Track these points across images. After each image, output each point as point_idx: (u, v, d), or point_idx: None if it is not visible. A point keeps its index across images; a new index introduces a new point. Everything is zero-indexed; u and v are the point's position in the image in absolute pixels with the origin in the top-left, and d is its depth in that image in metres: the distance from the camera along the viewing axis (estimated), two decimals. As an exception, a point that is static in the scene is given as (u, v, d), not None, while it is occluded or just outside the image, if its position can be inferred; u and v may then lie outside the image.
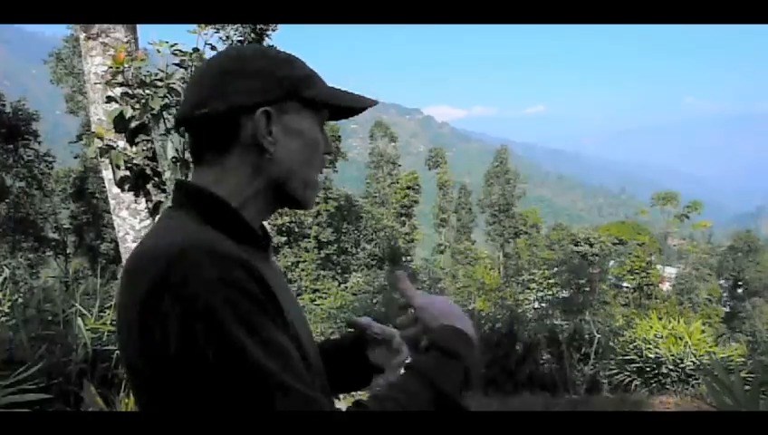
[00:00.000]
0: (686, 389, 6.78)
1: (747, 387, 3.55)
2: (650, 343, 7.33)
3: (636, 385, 7.12)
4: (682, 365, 6.89)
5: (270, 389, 0.70)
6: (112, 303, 4.40)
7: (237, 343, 0.70)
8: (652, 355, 7.13)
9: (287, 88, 0.88)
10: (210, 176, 0.88)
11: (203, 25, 3.42)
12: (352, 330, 1.12)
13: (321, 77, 0.95)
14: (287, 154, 0.88)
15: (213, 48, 3.43)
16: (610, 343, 8.19)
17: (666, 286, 35.99)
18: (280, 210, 1.06)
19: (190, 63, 3.27)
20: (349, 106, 0.95)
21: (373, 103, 0.97)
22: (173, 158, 3.17)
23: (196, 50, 3.35)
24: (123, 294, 0.79)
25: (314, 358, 0.90)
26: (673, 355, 6.99)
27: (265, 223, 0.99)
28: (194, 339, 0.70)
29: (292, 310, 0.87)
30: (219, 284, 0.72)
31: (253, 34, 13.97)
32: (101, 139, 3.10)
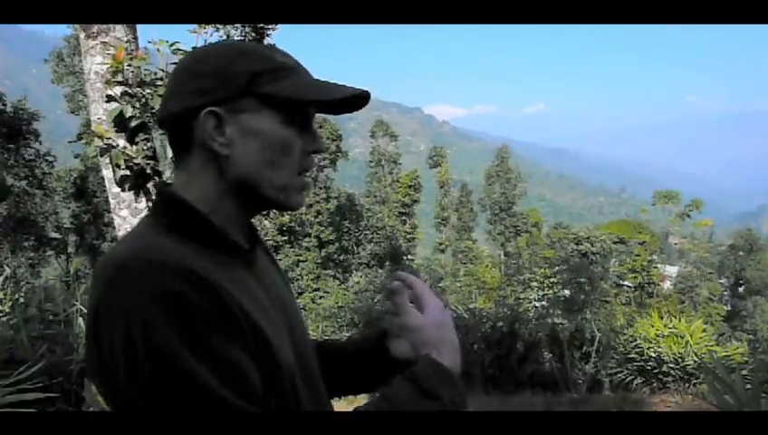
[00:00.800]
0: (688, 388, 6.77)
1: (748, 386, 3.54)
2: (651, 342, 7.33)
3: (637, 384, 7.12)
4: (683, 364, 6.89)
5: (205, 404, 0.69)
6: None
7: (176, 359, 0.69)
8: (653, 354, 7.13)
9: (240, 85, 0.81)
10: (181, 178, 0.87)
11: (203, 25, 3.42)
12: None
13: (298, 68, 0.87)
14: (245, 156, 0.83)
15: (213, 47, 3.42)
16: (611, 342, 8.19)
17: (667, 285, 35.97)
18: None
19: (190, 63, 3.27)
20: (319, 100, 0.85)
21: (354, 92, 0.86)
22: (173, 157, 3.17)
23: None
24: (88, 299, 0.80)
25: (296, 361, 0.86)
26: (674, 354, 6.99)
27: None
28: (135, 355, 0.69)
29: (269, 315, 0.84)
30: (159, 298, 0.70)
31: (253, 34, 13.95)
32: (101, 138, 3.10)
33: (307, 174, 0.89)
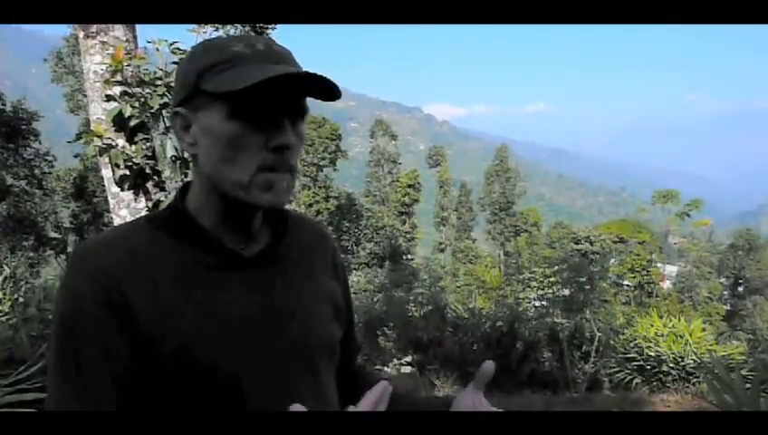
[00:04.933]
0: (687, 387, 6.78)
1: (748, 385, 3.54)
2: (651, 342, 7.34)
3: (636, 383, 7.13)
4: (683, 363, 6.90)
5: (51, 393, 0.80)
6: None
7: (52, 346, 0.80)
8: (653, 353, 7.13)
9: (192, 83, 0.81)
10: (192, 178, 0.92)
11: (202, 25, 3.41)
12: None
13: (252, 57, 0.80)
14: (205, 153, 0.82)
15: (213, 47, 3.41)
16: (611, 342, 8.19)
17: (666, 284, 36.02)
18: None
19: (190, 62, 3.26)
20: (228, 91, 0.77)
21: (261, 76, 0.75)
22: (172, 156, 3.17)
23: (195, 49, 3.33)
24: None
25: (263, 367, 0.84)
26: (674, 353, 7.00)
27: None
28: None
29: (230, 321, 0.82)
30: (64, 290, 0.80)
31: (252, 34, 13.94)
32: (101, 137, 3.09)
33: (273, 170, 0.81)
